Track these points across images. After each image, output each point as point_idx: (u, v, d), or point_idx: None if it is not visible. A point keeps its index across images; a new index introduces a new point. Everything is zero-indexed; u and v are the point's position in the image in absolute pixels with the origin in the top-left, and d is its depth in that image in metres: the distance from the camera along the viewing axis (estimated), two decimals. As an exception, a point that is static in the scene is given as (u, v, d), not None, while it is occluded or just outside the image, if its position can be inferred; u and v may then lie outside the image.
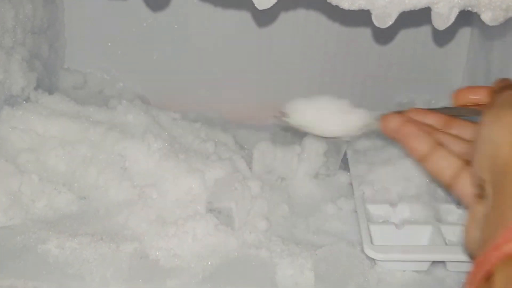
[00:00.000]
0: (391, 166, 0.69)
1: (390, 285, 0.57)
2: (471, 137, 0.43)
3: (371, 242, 0.58)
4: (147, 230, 0.61)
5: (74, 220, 0.63)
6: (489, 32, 0.80)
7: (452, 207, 0.65)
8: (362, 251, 0.58)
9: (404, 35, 0.86)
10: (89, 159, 0.69)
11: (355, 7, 0.48)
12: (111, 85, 0.93)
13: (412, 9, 0.48)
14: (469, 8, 0.48)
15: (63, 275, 0.55)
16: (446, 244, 0.59)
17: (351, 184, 0.71)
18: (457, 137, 0.44)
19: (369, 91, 0.91)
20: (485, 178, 0.35)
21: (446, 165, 0.41)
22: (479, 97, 0.44)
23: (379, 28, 0.50)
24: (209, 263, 0.58)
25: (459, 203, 0.65)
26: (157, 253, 0.59)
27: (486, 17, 0.49)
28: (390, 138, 0.45)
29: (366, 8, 0.48)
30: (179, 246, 0.59)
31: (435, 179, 0.43)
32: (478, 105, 0.44)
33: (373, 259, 0.58)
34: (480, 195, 0.36)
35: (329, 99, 0.49)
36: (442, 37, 0.86)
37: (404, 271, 0.59)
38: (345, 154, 0.76)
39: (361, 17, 0.53)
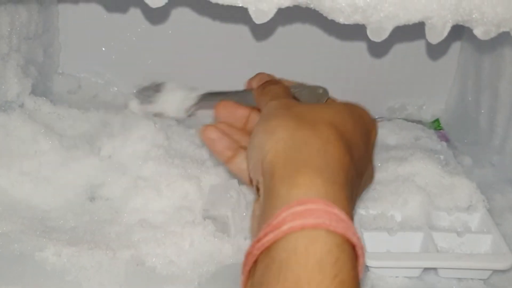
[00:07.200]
0: (384, 172, 0.70)
1: (382, 291, 0.59)
2: None
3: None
4: (144, 237, 0.61)
5: (69, 227, 0.64)
6: (479, 46, 0.81)
7: (444, 214, 0.66)
8: (356, 257, 0.59)
9: (398, 48, 0.87)
10: (83, 165, 0.70)
11: (350, 21, 0.49)
12: (105, 89, 0.93)
13: (407, 23, 0.49)
14: (462, 23, 0.50)
15: (61, 282, 0.56)
16: (437, 250, 0.60)
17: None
18: None
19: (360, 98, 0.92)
20: (259, 180, 0.40)
21: (246, 167, 0.47)
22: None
23: (373, 41, 0.51)
24: (205, 269, 0.59)
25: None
26: (154, 260, 0.59)
27: (478, 31, 0.50)
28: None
29: (361, 22, 0.49)
30: (175, 253, 0.60)
31: (239, 179, 0.54)
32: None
33: (367, 265, 0.59)
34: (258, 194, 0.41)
35: None
36: (434, 51, 0.88)
37: (396, 277, 0.60)
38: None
39: (356, 31, 0.54)
